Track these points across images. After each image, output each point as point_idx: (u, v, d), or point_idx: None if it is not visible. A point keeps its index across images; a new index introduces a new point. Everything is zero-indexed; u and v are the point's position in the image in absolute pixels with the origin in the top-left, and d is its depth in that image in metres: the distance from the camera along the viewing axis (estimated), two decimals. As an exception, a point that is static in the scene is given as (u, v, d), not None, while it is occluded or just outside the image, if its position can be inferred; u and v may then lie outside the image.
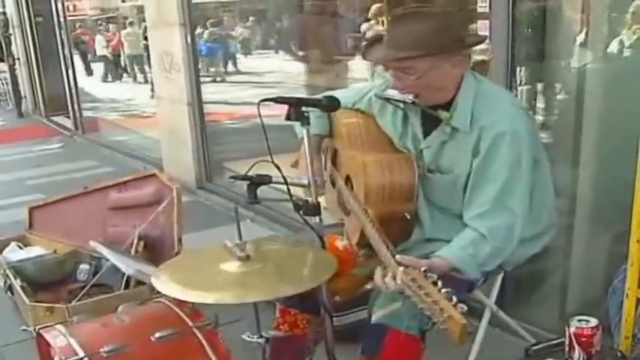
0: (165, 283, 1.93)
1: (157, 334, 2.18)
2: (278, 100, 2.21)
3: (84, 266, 3.94)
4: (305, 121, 2.18)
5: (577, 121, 3.01)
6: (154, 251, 3.76)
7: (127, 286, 3.51)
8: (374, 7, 6.99)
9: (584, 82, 2.98)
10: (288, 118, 2.19)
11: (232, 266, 1.94)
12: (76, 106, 9.45)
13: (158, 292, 3.29)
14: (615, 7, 2.99)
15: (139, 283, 3.48)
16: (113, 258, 2.90)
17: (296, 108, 2.17)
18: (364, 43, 7.08)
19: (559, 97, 3.52)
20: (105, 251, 2.95)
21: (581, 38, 3.05)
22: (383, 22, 6.87)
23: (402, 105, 2.36)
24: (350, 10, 7.39)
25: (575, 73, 3.04)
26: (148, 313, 2.47)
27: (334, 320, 2.38)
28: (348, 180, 2.52)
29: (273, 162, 2.21)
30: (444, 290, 1.66)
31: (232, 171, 6.27)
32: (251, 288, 1.86)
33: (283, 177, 2.21)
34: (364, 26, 6.96)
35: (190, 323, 2.27)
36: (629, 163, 2.55)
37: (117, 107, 10.99)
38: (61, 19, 9.20)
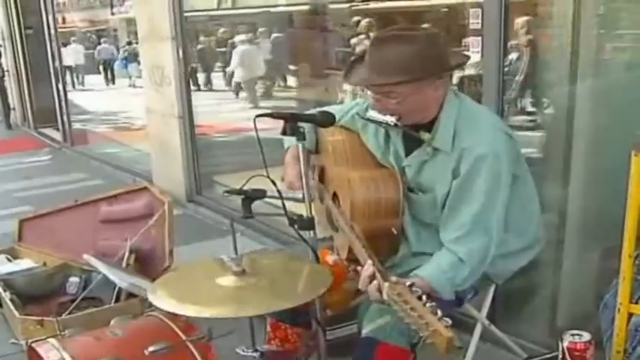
0: (162, 297, 1.93)
1: (151, 348, 2.18)
2: (274, 115, 2.23)
3: (74, 279, 3.93)
4: (300, 136, 2.20)
5: (567, 137, 3.04)
6: (145, 264, 3.76)
7: (117, 299, 3.51)
8: (364, 22, 7.05)
9: (574, 98, 3.01)
10: (283, 132, 2.21)
11: (228, 281, 1.94)
12: (65, 118, 9.43)
13: (150, 305, 3.34)
14: (604, 24, 3.03)
15: (130, 296, 3.48)
16: (107, 271, 2.90)
17: (291, 123, 2.19)
18: (351, 59, 7.17)
19: (549, 112, 3.55)
20: (98, 264, 2.95)
21: (570, 54, 3.07)
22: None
23: (384, 125, 2.38)
24: (339, 25, 7.43)
25: (565, 88, 3.07)
26: (141, 326, 2.46)
27: (326, 334, 2.39)
28: (335, 197, 2.53)
29: (268, 177, 2.22)
30: (428, 305, 1.68)
31: (222, 184, 6.31)
32: (247, 302, 1.87)
33: (278, 191, 2.22)
34: (354, 40, 7.02)
35: (184, 337, 2.27)
36: (619, 178, 2.57)
37: (106, 120, 10.98)
38: (52, 32, 9.18)
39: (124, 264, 3.64)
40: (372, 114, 2.32)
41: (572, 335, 1.90)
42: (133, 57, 14.38)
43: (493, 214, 2.19)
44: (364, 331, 2.22)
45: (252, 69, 9.21)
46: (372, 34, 6.92)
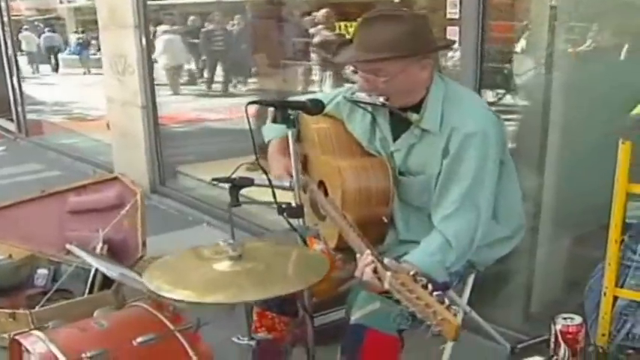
0: (157, 284, 1.89)
1: (139, 339, 2.15)
2: (263, 103, 2.22)
3: (42, 271, 3.84)
4: (290, 123, 2.18)
5: (543, 127, 3.09)
6: (117, 255, 3.70)
7: (90, 291, 3.45)
8: (322, 12, 7.06)
9: (549, 89, 3.06)
10: (274, 120, 2.20)
11: (224, 266, 1.92)
12: (19, 109, 9.21)
13: (123, 296, 3.30)
14: (580, 17, 3.09)
15: (103, 287, 3.43)
16: (94, 262, 2.85)
17: (282, 110, 2.18)
18: (312, 47, 7.20)
19: (524, 103, 3.61)
20: (84, 255, 2.90)
21: (545, 45, 3.13)
22: (331, 27, 6.96)
23: (370, 108, 2.39)
24: (294, 14, 7.44)
25: (541, 80, 3.12)
26: (127, 317, 2.42)
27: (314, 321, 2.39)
28: (321, 185, 2.53)
29: (259, 164, 2.21)
30: (435, 293, 1.67)
31: (186, 175, 6.26)
32: (246, 287, 1.84)
33: (269, 179, 2.21)
34: (312, 30, 7.04)
35: (172, 327, 2.25)
36: (593, 167, 2.62)
37: (61, 110, 10.79)
38: (5, 19, 8.98)
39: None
40: (360, 95, 2.33)
41: (565, 319, 1.94)
42: (86, 45, 14.32)
43: (482, 191, 2.22)
44: (353, 318, 2.22)
45: (174, 57, 9.31)
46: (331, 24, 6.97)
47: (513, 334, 3.01)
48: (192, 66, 10.71)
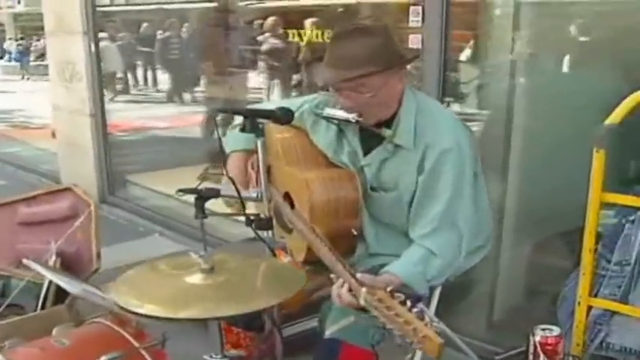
0: (127, 299, 1.81)
1: (103, 357, 2.04)
2: (232, 111, 2.17)
3: (-10, 286, 3.70)
4: (260, 132, 2.13)
5: (506, 135, 3.10)
6: (71, 268, 3.56)
7: (43, 306, 3.32)
8: (269, 20, 7.04)
9: (512, 97, 3.07)
10: (242, 129, 2.13)
11: (196, 279, 1.84)
12: (-41, 117, 8.96)
13: (77, 311, 3.18)
14: (541, 25, 3.11)
15: (56, 302, 3.30)
16: (53, 277, 2.73)
17: (251, 119, 2.12)
18: (260, 55, 7.15)
19: (487, 111, 3.61)
20: (43, 270, 2.78)
21: (508, 52, 3.14)
22: (278, 35, 6.93)
23: (335, 121, 2.34)
24: (244, 23, 7.39)
25: (504, 87, 3.13)
26: (88, 334, 2.31)
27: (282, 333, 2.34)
28: (287, 197, 2.47)
29: (228, 175, 2.16)
30: (414, 310, 1.62)
31: (136, 184, 6.14)
32: (220, 302, 1.77)
33: (237, 190, 2.15)
34: (260, 38, 7.01)
35: (137, 344, 2.16)
36: (556, 175, 2.62)
37: (3, 117, 10.52)
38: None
39: (49, 268, 3.45)
40: (330, 111, 2.28)
41: (543, 330, 1.93)
42: (26, 52, 14.05)
43: (461, 206, 2.20)
44: (328, 332, 2.18)
45: (109, 65, 9.26)
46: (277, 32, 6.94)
47: (477, 344, 3.00)
48: (139, 73, 10.53)
